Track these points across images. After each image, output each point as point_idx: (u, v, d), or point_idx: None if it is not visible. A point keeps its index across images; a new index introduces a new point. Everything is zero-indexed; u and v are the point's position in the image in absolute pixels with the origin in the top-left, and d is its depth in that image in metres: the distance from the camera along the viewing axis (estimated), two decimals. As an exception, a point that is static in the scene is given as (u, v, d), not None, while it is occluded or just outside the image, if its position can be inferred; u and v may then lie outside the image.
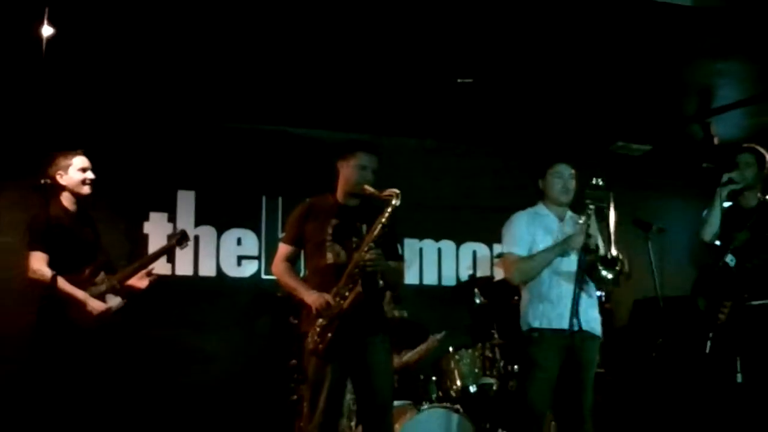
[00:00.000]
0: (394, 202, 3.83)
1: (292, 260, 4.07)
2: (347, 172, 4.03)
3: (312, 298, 3.83)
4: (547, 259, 3.94)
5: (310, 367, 3.92)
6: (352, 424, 4.60)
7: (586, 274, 3.84)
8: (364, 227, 3.96)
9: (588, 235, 3.83)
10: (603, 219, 3.93)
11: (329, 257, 3.92)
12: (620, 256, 3.84)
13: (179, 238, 4.64)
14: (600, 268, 3.83)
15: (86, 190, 4.27)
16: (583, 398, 3.96)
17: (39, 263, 4.08)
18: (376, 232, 3.84)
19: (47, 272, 4.01)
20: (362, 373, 3.93)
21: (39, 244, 4.10)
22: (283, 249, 4.08)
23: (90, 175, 4.28)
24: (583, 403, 3.97)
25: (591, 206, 3.87)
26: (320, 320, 3.81)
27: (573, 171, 4.08)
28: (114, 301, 4.25)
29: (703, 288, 4.53)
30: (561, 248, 3.93)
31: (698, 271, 4.71)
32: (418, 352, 5.10)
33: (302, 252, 4.08)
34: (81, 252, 4.25)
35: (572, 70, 4.98)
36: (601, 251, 3.87)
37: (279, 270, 4.06)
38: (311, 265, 4.01)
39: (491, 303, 5.19)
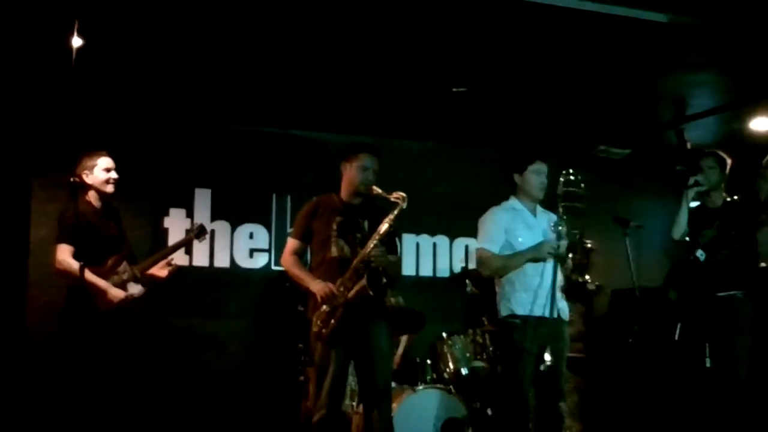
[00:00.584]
0: (402, 205, 3.86)
1: (299, 254, 4.09)
2: (351, 172, 4.04)
3: (318, 287, 3.86)
4: (519, 262, 3.93)
5: (316, 352, 3.95)
6: (354, 403, 4.62)
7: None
8: (366, 223, 3.99)
9: (559, 238, 3.85)
10: (578, 216, 3.93)
11: (334, 251, 3.95)
12: (588, 282, 3.87)
13: (197, 232, 4.67)
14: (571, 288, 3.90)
15: (110, 188, 4.29)
16: (560, 376, 4.00)
17: (65, 255, 4.12)
18: (382, 231, 3.86)
19: (73, 263, 4.04)
20: (365, 358, 3.95)
21: (66, 238, 4.13)
22: (291, 243, 4.10)
23: (113, 174, 4.30)
24: (560, 380, 4.01)
25: (564, 216, 3.88)
26: (324, 307, 3.84)
27: (547, 166, 4.06)
28: (135, 289, 4.27)
29: (674, 281, 4.56)
30: (532, 255, 3.92)
31: (671, 265, 4.74)
32: (407, 339, 5.14)
33: (308, 246, 4.11)
34: (105, 245, 4.27)
35: (559, 81, 4.99)
36: (569, 267, 3.90)
37: (287, 262, 4.08)
38: (318, 259, 4.03)
39: (482, 293, 5.21)
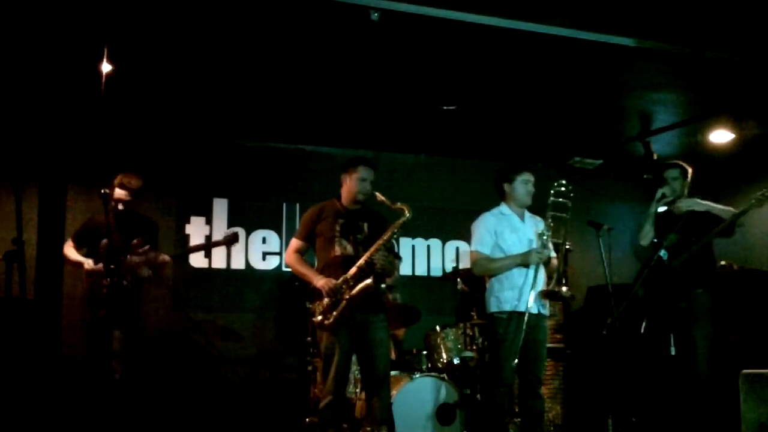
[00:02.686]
0: (407, 215, 3.88)
1: (301, 252, 4.08)
2: (351, 183, 4.05)
3: (321, 282, 3.87)
4: (508, 266, 3.95)
5: (322, 343, 3.94)
6: (357, 390, 4.61)
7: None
8: (366, 226, 4.00)
9: (544, 247, 3.87)
10: (563, 225, 3.99)
11: (337, 250, 3.95)
12: (565, 293, 3.88)
13: (231, 238, 4.64)
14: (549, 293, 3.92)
15: (120, 207, 4.45)
16: (540, 365, 4.02)
17: (66, 246, 4.50)
18: (386, 237, 3.87)
19: (66, 251, 4.48)
20: (365, 348, 3.95)
21: (73, 237, 4.53)
22: (295, 243, 4.10)
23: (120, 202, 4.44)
24: (540, 368, 4.02)
25: (551, 226, 3.90)
26: (326, 300, 3.85)
27: (534, 179, 4.10)
28: (145, 272, 4.40)
29: (642, 279, 4.55)
30: (521, 260, 3.94)
31: (641, 265, 4.71)
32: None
33: (310, 247, 4.10)
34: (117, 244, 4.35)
35: (537, 99, 5.01)
36: (553, 269, 3.92)
37: (291, 259, 4.07)
38: (322, 257, 4.03)
39: (471, 290, 5.21)
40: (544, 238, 3.91)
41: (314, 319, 3.90)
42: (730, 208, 4.39)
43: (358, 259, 3.88)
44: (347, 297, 3.81)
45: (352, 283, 3.83)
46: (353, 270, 3.83)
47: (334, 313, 3.81)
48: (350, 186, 4.04)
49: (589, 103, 5.07)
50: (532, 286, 3.88)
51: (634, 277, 4.65)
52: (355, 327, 3.89)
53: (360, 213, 4.05)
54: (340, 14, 3.65)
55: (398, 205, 3.91)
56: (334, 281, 3.83)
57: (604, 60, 4.28)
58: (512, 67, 4.44)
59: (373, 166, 4.06)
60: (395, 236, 3.92)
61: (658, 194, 4.46)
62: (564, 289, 3.87)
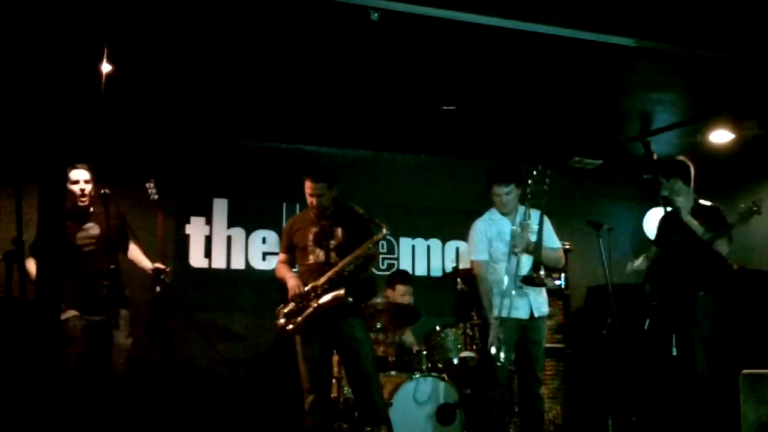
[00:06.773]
0: (384, 232, 3.92)
1: (289, 264, 4.18)
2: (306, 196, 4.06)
3: (291, 283, 3.96)
4: (486, 304, 4.02)
5: (296, 344, 4.01)
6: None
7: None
8: (340, 231, 4.01)
9: (513, 239, 3.93)
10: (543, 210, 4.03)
11: (311, 258, 4.02)
12: (543, 277, 3.88)
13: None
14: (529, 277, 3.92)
15: (81, 201, 4.24)
16: (537, 365, 4.05)
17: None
18: (359, 252, 3.89)
19: None
20: (346, 349, 4.00)
21: None
22: (280, 256, 4.24)
23: (77, 188, 4.20)
24: (537, 369, 4.05)
25: (529, 217, 3.94)
26: (291, 305, 3.88)
27: (508, 187, 4.07)
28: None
29: (650, 276, 4.55)
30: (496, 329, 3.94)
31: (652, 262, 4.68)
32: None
33: (293, 256, 4.17)
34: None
35: (537, 100, 5.01)
36: (527, 270, 3.93)
37: (276, 268, 4.21)
38: (300, 265, 4.12)
39: (471, 290, 5.21)
40: (526, 225, 3.93)
41: (277, 322, 3.94)
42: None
43: (330, 265, 3.92)
44: (315, 305, 3.84)
45: (320, 292, 3.87)
46: (323, 279, 3.87)
47: (299, 318, 3.86)
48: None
49: (589, 103, 5.07)
50: (514, 288, 3.90)
51: (644, 276, 4.64)
52: (328, 327, 3.92)
53: (334, 218, 4.06)
54: (340, 14, 3.65)
55: (376, 221, 3.95)
56: (302, 287, 3.88)
57: (604, 60, 4.27)
58: (512, 67, 4.43)
59: (318, 178, 4.00)
60: (370, 251, 3.94)
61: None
62: (542, 273, 3.86)
